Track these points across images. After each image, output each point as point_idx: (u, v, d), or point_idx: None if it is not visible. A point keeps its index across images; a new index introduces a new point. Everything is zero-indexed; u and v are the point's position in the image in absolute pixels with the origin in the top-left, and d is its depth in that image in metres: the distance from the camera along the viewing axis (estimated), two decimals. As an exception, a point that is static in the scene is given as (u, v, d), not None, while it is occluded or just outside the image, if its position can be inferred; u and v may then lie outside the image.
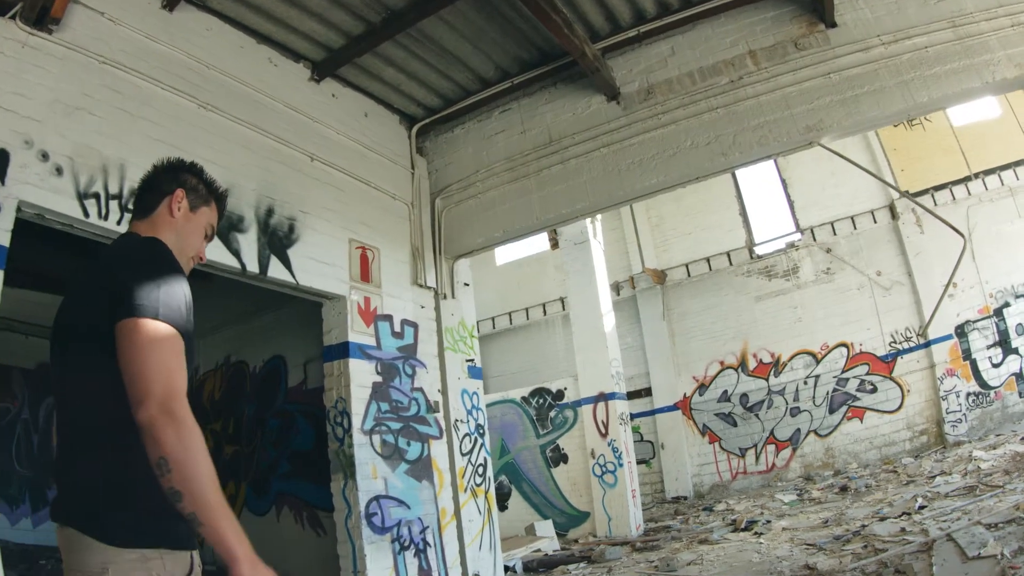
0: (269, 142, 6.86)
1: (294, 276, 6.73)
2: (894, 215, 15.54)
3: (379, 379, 7.41)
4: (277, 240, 6.65)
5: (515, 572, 9.99)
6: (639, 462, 16.57)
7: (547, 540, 11.70)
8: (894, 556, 6.55)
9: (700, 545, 9.68)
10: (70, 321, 2.28)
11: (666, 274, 17.91)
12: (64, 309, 2.34)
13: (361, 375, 7.22)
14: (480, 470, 8.49)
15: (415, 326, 8.12)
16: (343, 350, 7.19)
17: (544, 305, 19.14)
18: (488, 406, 14.05)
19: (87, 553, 1.99)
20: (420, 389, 7.93)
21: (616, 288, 18.08)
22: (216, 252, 5.96)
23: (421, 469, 7.61)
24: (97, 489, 2.06)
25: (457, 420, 8.29)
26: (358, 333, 7.31)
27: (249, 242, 6.34)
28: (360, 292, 7.47)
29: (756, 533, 9.72)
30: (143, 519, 2.06)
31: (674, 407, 17.08)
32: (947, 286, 13.46)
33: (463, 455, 8.24)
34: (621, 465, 12.62)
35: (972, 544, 6.04)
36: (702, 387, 16.98)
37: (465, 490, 8.12)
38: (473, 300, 9.31)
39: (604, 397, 13.07)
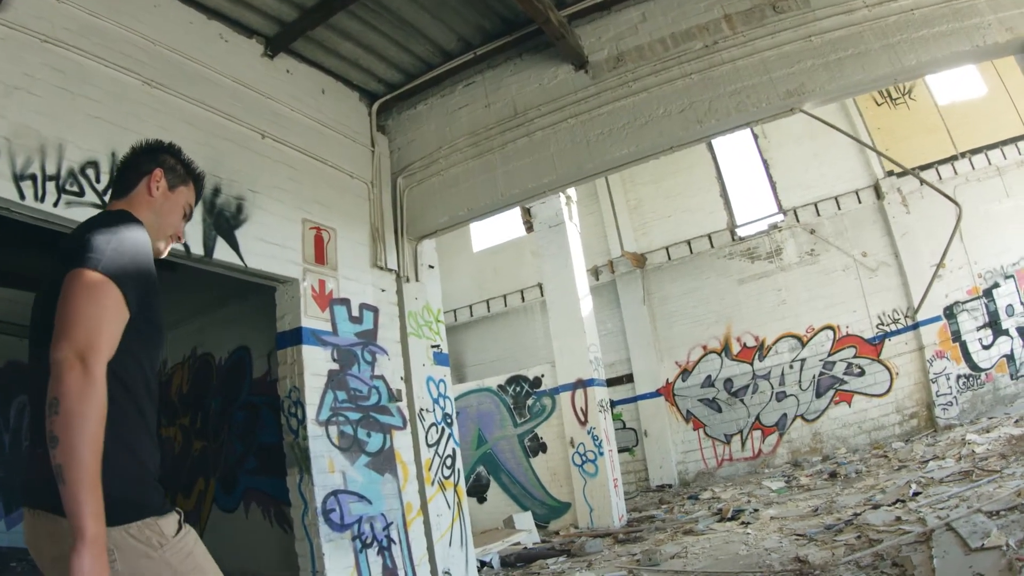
0: (217, 119, 6.43)
1: (242, 258, 6.27)
2: (879, 195, 15.17)
3: (335, 367, 6.93)
4: (224, 221, 6.20)
5: (491, 567, 9.56)
6: (622, 450, 16.32)
7: (526, 533, 11.25)
8: (891, 548, 6.05)
9: (685, 536, 9.22)
10: (41, 313, 2.27)
11: (646, 258, 17.41)
12: (36, 302, 2.36)
13: (315, 362, 6.73)
14: (448, 462, 8.00)
15: (375, 310, 7.63)
16: (296, 336, 6.69)
17: (522, 291, 18.61)
18: (464, 395, 13.87)
19: None
20: (381, 377, 7.44)
21: (595, 273, 17.68)
22: (158, 235, 5.58)
23: (383, 462, 7.12)
24: None
25: (422, 409, 7.81)
26: (312, 318, 6.84)
27: (193, 223, 5.83)
28: (314, 275, 7.00)
29: (743, 523, 9.24)
30: (130, 494, 2.08)
31: (656, 393, 16.61)
32: (940, 262, 12.92)
33: (429, 446, 7.76)
34: (601, 454, 12.13)
35: (974, 534, 5.58)
36: (685, 372, 16.52)
37: (432, 483, 7.65)
38: (439, 283, 8.81)
39: (582, 384, 12.53)
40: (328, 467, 6.52)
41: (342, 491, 6.61)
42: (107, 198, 4.62)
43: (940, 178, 14.55)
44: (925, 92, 15.29)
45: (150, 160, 2.62)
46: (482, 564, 9.48)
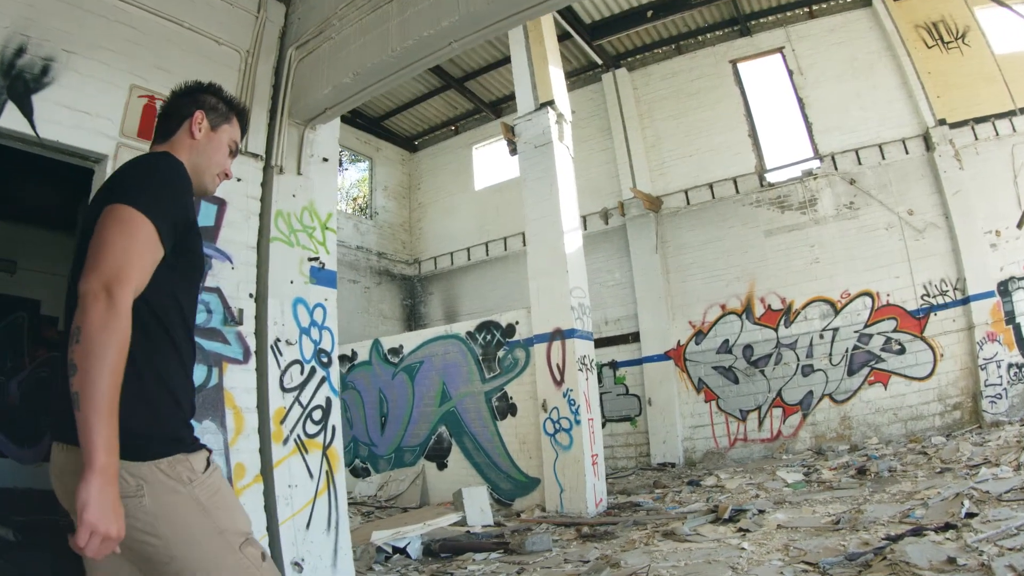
0: (41, -27, 4.64)
1: (34, 127, 4.47)
2: (928, 146, 12.50)
3: (146, 271, 4.54)
4: (21, 84, 4.51)
5: (407, 555, 7.12)
6: (622, 419, 14.00)
7: (478, 513, 8.70)
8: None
9: (662, 541, 6.61)
10: (77, 254, 2.18)
11: (662, 201, 14.67)
12: (79, 238, 2.23)
13: None
14: (317, 415, 5.41)
15: (220, 203, 5.15)
16: None
17: (523, 234, 15.76)
18: (429, 343, 11.41)
19: None
20: (216, 290, 4.95)
21: (604, 216, 15.19)
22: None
23: (204, 404, 4.73)
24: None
25: (280, 340, 5.26)
26: None
27: (-21, 85, 4.32)
28: (132, 152, 4.77)
29: (740, 529, 6.62)
30: (162, 429, 2.04)
31: (665, 356, 13.87)
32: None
33: (286, 391, 5.21)
34: (578, 422, 9.39)
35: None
36: (699, 334, 13.77)
37: (285, 441, 5.12)
38: (335, 181, 6.41)
39: (561, 335, 9.77)
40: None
41: (135, 438, 4.23)
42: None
43: (997, 133, 12.27)
44: (980, 38, 12.80)
45: (190, 103, 2.51)
46: (395, 550, 7.11)
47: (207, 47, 5.54)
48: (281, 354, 5.30)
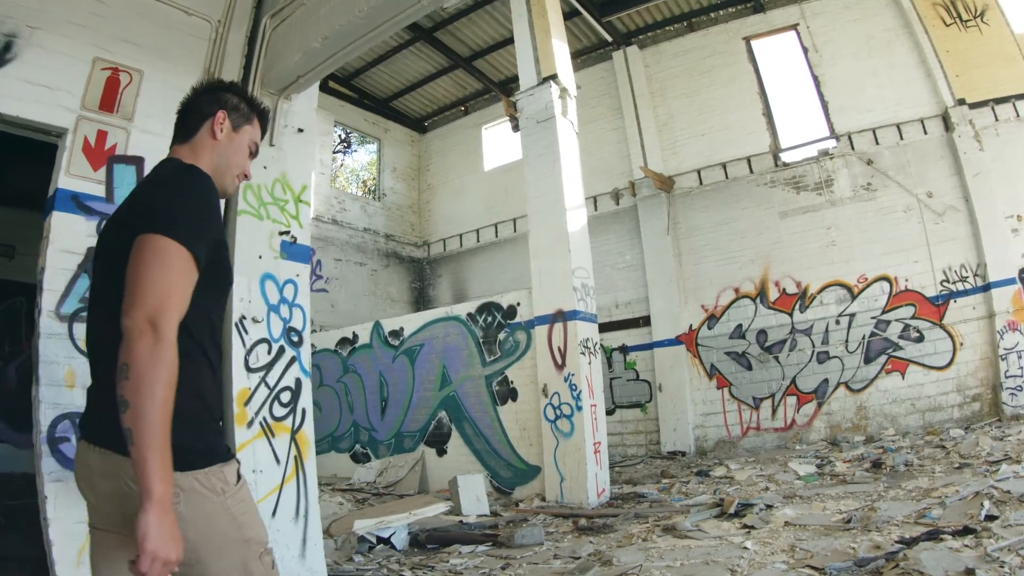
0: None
1: None
2: (948, 126, 11.97)
3: (101, 244, 4.29)
4: None
5: (391, 546, 6.73)
6: (632, 406, 13.57)
7: (472, 500, 8.30)
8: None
9: (660, 536, 6.20)
10: (102, 249, 2.26)
11: (674, 181, 14.16)
12: (100, 238, 2.31)
13: (69, 236, 4.51)
14: (285, 397, 5.05)
15: (184, 176, 4.84)
16: (52, 202, 4.57)
17: (529, 213, 15.75)
18: (429, 325, 11.01)
19: None
20: (177, 266, 4.66)
21: (615, 196, 14.73)
22: None
23: (163, 384, 4.35)
24: None
25: (246, 318, 4.86)
26: (77, 178, 4.61)
27: (-60, 64, 4.19)
28: (93, 124, 4.72)
29: (746, 526, 6.19)
30: (199, 441, 2.07)
31: (676, 341, 13.38)
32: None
33: (252, 371, 4.84)
34: (580, 408, 8.96)
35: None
36: (712, 319, 13.27)
37: (250, 424, 4.78)
38: (312, 152, 6.14)
39: (563, 316, 9.32)
40: (66, 379, 4.38)
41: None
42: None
43: (1018, 115, 11.71)
44: (999, 17, 12.27)
45: (212, 102, 2.44)
46: (380, 540, 6.75)
47: (176, 18, 5.28)
48: (246, 332, 4.92)
